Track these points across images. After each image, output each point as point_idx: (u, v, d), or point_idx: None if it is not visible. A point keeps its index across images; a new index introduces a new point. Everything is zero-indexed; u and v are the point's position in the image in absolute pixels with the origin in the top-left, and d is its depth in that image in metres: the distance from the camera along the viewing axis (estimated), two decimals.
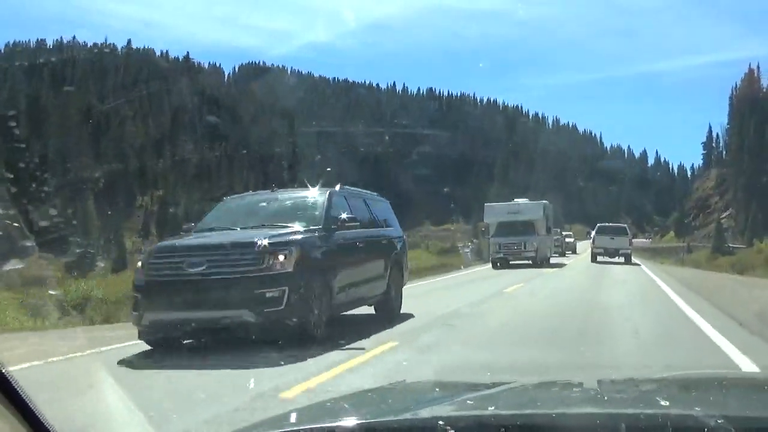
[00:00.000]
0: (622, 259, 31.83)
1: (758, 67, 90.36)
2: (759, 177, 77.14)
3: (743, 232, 75.45)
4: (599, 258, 32.35)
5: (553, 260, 31.57)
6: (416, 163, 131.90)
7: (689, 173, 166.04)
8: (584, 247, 58.75)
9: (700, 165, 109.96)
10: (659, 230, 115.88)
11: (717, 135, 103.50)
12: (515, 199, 33.89)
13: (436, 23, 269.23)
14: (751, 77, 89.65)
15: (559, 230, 46.58)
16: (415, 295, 13.60)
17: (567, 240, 49.44)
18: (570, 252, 47.86)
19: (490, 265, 29.57)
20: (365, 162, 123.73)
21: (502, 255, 28.67)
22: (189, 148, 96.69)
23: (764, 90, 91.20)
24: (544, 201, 32.64)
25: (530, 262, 28.18)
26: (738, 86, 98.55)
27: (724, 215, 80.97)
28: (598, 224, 36.49)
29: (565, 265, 29.27)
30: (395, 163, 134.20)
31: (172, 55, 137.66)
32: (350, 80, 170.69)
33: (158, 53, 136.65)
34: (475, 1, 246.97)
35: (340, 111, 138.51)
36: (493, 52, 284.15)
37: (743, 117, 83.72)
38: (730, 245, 72.88)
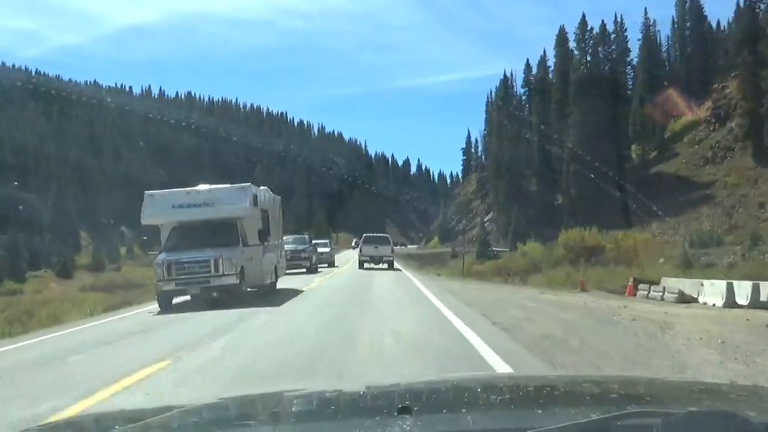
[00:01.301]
0: (385, 265, 33.83)
1: (512, 75, 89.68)
2: (517, 180, 74.86)
3: (506, 235, 72.54)
4: (366, 265, 34.03)
5: (289, 281, 20.41)
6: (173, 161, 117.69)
7: (449, 180, 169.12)
8: (346, 257, 49.85)
9: (461, 171, 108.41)
10: (423, 236, 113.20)
11: (476, 140, 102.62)
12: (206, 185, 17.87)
13: (198, 29, 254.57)
14: (506, 83, 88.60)
15: (306, 236, 34.70)
16: None
17: (321, 250, 36.70)
18: (326, 265, 36.42)
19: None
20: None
21: (173, 286, 15.11)
22: None
23: (517, 96, 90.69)
24: (260, 186, 19.20)
25: (230, 294, 15.30)
26: (494, 93, 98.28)
27: (486, 218, 77.93)
28: (364, 234, 38.80)
29: (301, 292, 17.79)
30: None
31: None
32: (100, 83, 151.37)
33: None
34: (238, 9, 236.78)
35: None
36: (256, 60, 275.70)
37: (500, 121, 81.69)
38: (494, 249, 69.42)
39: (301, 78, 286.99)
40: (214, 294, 15.08)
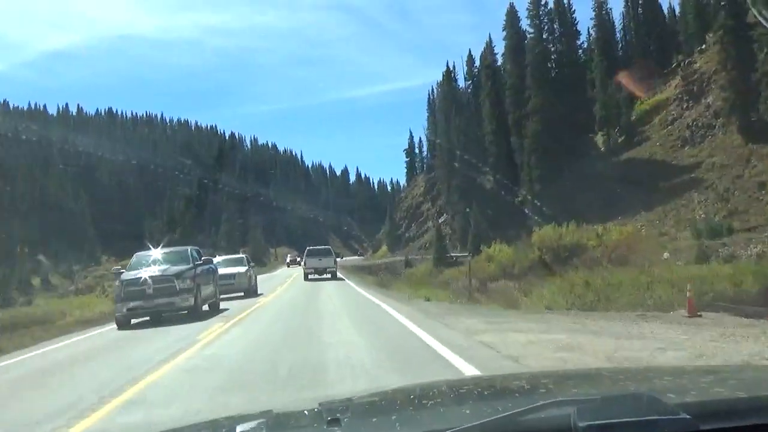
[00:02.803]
0: (329, 275, 34.87)
1: (454, 68, 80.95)
2: (471, 178, 65.61)
3: (463, 238, 63.29)
4: (311, 276, 34.51)
5: (106, 363, 9.43)
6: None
7: (389, 187, 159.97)
8: (281, 277, 39.43)
9: (404, 175, 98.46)
10: (369, 246, 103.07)
11: (420, 140, 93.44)
12: None
13: (123, 52, 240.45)
14: (449, 76, 79.71)
15: (190, 250, 17.25)
16: None
17: (226, 272, 22.96)
18: (241, 295, 23.18)
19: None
20: None
21: None
22: None
23: (461, 90, 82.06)
24: None
25: None
26: (436, 91, 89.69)
27: (439, 221, 68.51)
28: (307, 247, 38.76)
29: None
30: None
31: None
32: (12, 104, 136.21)
33: None
34: (165, 30, 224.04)
35: None
36: (184, 80, 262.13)
37: (447, 116, 72.58)
38: (453, 254, 60.06)
39: (232, 96, 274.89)
40: None
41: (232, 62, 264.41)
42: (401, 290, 22.37)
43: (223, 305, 17.91)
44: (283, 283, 31.79)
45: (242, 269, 24.93)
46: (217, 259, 23.17)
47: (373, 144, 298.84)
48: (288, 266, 70.89)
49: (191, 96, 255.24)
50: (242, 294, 23.33)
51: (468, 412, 1.90)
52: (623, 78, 58.01)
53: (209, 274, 16.68)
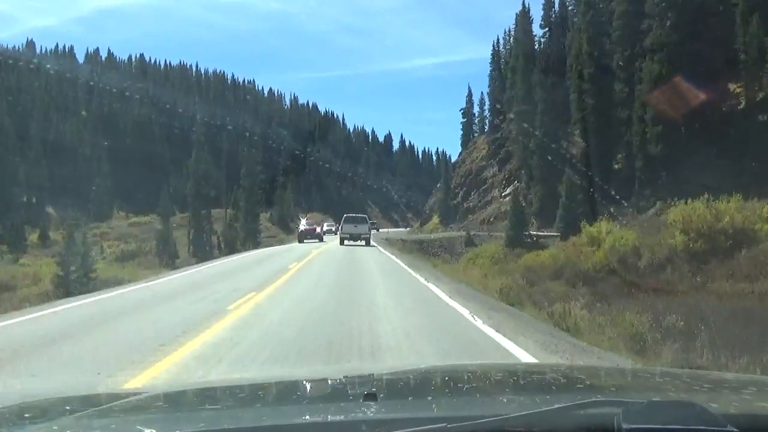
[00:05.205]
0: (363, 242, 35.40)
1: (529, 9, 64.86)
2: (554, 137, 49.80)
3: (542, 212, 48.10)
4: (346, 242, 35.22)
5: None
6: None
7: (434, 156, 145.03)
8: (269, 269, 17.37)
9: (460, 138, 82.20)
10: (413, 216, 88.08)
11: (481, 95, 77.62)
12: None
13: (172, 13, 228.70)
14: (524, 17, 63.77)
15: None
16: None
17: None
18: None
19: None
20: None
21: None
22: None
23: (537, 37, 65.98)
24: None
25: None
26: (507, 35, 74.01)
27: (508, 191, 53.19)
28: (345, 215, 38.76)
29: None
30: None
31: None
32: (36, 44, 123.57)
33: None
34: None
35: None
36: (231, 44, 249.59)
37: (526, 60, 56.88)
38: (534, 233, 45.07)
39: (275, 60, 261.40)
40: None
41: (279, 27, 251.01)
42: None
43: None
44: (243, 296, 11.87)
45: None
46: None
47: (419, 117, 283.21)
48: (300, 240, 45.21)
49: (234, 58, 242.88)
50: None
51: (505, 401, 1.82)
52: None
53: None
